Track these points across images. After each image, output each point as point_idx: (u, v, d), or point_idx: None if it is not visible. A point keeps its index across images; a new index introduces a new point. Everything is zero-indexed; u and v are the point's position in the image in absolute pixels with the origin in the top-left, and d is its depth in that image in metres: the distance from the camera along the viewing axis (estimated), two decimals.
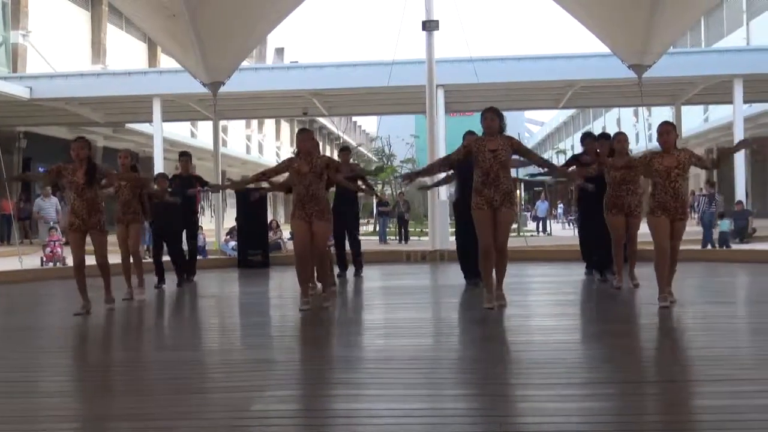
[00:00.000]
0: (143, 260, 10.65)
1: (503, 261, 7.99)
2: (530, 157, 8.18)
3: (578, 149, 11.27)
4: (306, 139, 8.34)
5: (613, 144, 9.52)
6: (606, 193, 9.30)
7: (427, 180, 10.85)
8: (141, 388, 5.25)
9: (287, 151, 52.84)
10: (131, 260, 10.04)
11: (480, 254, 7.95)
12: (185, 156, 12.09)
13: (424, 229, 28.11)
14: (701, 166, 8.14)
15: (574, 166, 10.25)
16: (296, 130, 46.05)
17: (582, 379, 5.12)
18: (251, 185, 10.25)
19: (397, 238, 26.30)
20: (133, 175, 10.08)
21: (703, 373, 5.23)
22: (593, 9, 12.94)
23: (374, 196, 11.68)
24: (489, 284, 8.02)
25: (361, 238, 12.39)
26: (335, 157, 11.76)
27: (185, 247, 11.79)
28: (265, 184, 10.39)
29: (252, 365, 5.82)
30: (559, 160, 67.70)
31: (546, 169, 8.80)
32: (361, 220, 35.79)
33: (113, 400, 4.90)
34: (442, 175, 10.66)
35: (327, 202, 8.38)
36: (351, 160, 12.04)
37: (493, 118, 7.87)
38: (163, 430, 4.19)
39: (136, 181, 10.01)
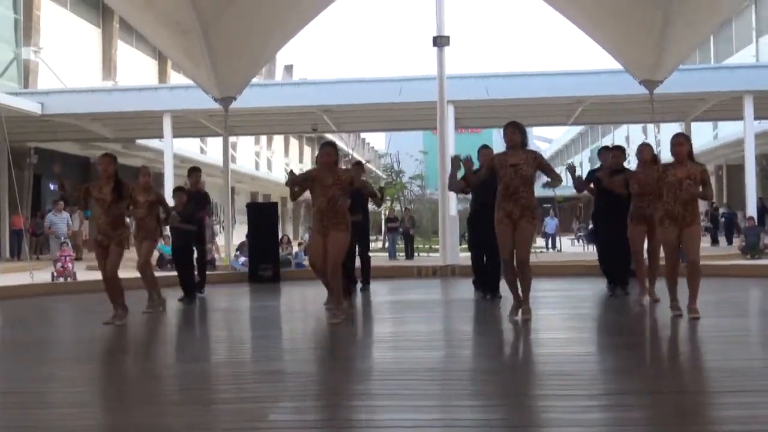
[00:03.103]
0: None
1: (526, 275, 7.95)
2: (550, 174, 8.07)
3: (587, 166, 11.20)
4: (329, 153, 8.37)
5: (637, 155, 9.43)
6: (631, 203, 9.20)
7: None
8: (157, 399, 5.23)
9: (296, 168, 52.91)
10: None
11: (502, 268, 8.15)
12: (195, 171, 12.10)
13: (433, 246, 28.07)
14: (700, 194, 8.06)
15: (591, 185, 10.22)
16: (305, 146, 46.01)
17: (600, 390, 5.09)
18: None
19: (405, 254, 26.26)
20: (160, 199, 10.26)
21: (718, 385, 5.20)
22: (604, 24, 12.94)
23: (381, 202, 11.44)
24: (514, 296, 8.07)
25: (370, 254, 12.22)
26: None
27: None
28: None
29: (266, 376, 5.80)
30: (567, 178, 67.76)
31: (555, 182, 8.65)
32: (370, 237, 35.72)
33: (129, 411, 4.88)
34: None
35: (346, 215, 8.26)
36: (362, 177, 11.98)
37: (513, 132, 7.92)
38: None
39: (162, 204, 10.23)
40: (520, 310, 7.98)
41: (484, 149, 9.51)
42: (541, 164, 7.97)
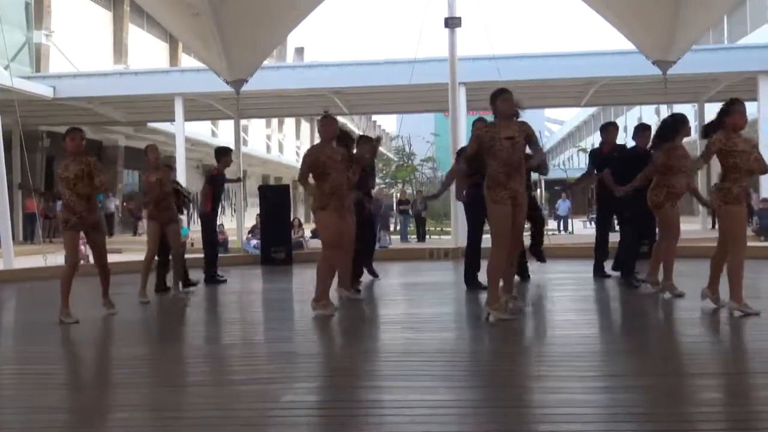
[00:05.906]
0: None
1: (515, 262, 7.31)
2: (537, 152, 7.16)
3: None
4: (330, 123, 7.82)
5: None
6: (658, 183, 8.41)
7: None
8: (171, 381, 5.27)
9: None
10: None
11: (502, 258, 6.84)
12: (226, 153, 11.86)
13: (444, 228, 28.04)
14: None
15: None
16: (315, 129, 45.86)
17: (611, 371, 5.11)
18: None
19: (416, 236, 26.19)
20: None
21: (729, 366, 5.20)
22: (617, 4, 12.85)
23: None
24: (499, 290, 6.96)
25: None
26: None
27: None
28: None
29: (280, 357, 5.84)
30: (580, 159, 67.39)
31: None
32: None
33: (145, 392, 4.93)
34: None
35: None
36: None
37: (508, 99, 6.85)
38: (195, 419, 4.21)
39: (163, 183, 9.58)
40: (508, 304, 7.05)
41: (479, 122, 8.19)
42: (531, 139, 6.91)
